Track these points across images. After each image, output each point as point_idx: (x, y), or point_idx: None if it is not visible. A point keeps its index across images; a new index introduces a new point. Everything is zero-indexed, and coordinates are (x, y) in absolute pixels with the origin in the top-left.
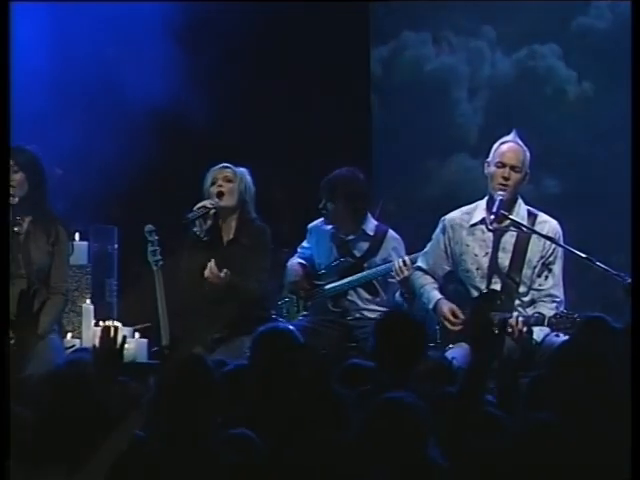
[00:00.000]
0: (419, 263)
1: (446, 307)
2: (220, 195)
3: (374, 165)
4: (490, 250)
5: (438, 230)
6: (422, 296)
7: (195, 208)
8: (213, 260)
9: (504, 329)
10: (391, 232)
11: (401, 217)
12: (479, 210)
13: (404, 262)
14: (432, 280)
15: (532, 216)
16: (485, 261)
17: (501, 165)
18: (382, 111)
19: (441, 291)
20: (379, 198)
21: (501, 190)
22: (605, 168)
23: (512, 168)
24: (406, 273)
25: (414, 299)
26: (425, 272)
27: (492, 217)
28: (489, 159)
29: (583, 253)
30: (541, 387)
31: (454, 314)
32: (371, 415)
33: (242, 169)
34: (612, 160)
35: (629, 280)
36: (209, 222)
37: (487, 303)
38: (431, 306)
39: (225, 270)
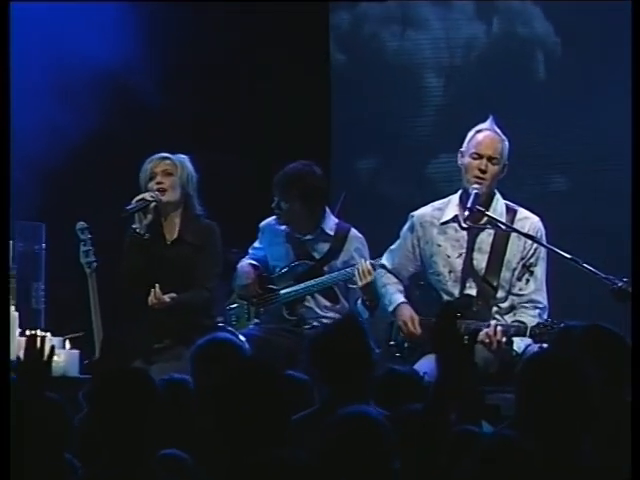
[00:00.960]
0: (384, 261)
1: (407, 313)
2: (161, 191)
3: (333, 157)
4: (464, 251)
5: (406, 227)
6: (384, 297)
7: (134, 201)
8: (157, 286)
9: (477, 339)
10: (354, 231)
11: (365, 214)
12: (452, 206)
13: (367, 265)
14: (396, 280)
15: (511, 212)
16: (459, 263)
17: (477, 156)
18: (343, 99)
19: (407, 296)
20: (340, 193)
21: (477, 184)
22: (598, 163)
23: (489, 159)
24: (369, 278)
25: (377, 307)
26: (389, 271)
27: (466, 213)
28: (463, 149)
29: (568, 254)
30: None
31: (412, 323)
32: (328, 432)
33: (182, 156)
34: (607, 157)
35: (619, 284)
36: (149, 217)
37: (461, 310)
38: (391, 309)
39: (172, 295)
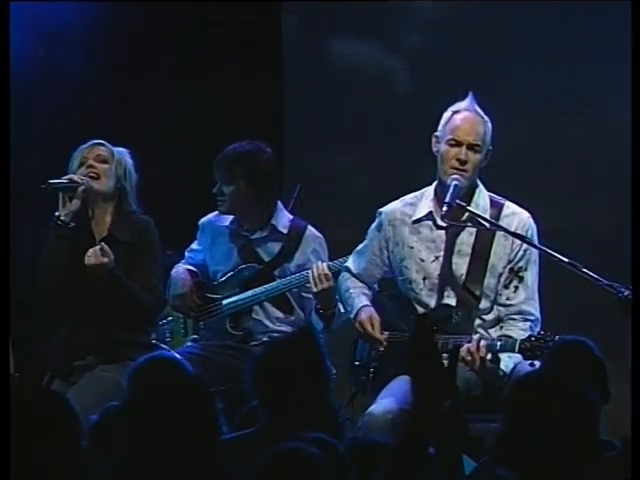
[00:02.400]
0: (349, 264)
1: (365, 314)
2: (92, 177)
3: (287, 142)
4: (441, 253)
5: (373, 226)
6: (346, 303)
7: (62, 179)
8: (103, 244)
9: (458, 357)
10: (311, 229)
11: (324, 210)
12: (426, 200)
13: (324, 268)
14: (361, 284)
15: (496, 207)
16: (434, 268)
17: (455, 143)
18: (297, 80)
19: (374, 304)
20: (294, 184)
21: (456, 175)
22: (586, 155)
23: (470, 147)
24: (325, 284)
25: (334, 317)
26: (354, 275)
27: (444, 209)
28: (438, 133)
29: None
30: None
31: (372, 324)
32: (264, 468)
33: (121, 149)
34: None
35: (626, 293)
36: (76, 203)
37: (438, 323)
38: (353, 314)
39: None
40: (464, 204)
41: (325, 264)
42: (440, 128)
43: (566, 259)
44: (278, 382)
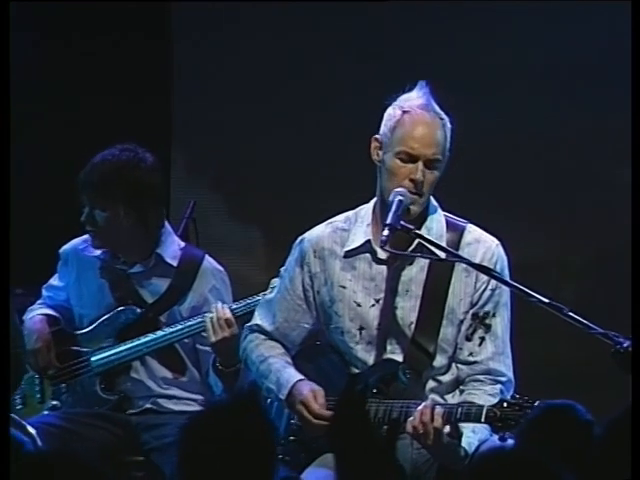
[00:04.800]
0: (257, 320)
1: (306, 390)
2: None
3: (175, 149)
4: (383, 295)
5: (292, 259)
6: (264, 377)
7: None
8: None
9: (402, 428)
10: (209, 261)
11: (227, 233)
12: (361, 225)
13: (225, 311)
14: (281, 349)
15: (455, 231)
16: (374, 315)
17: (407, 157)
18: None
19: (300, 368)
20: (186, 201)
21: (401, 189)
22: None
23: (428, 163)
24: (227, 332)
25: (237, 377)
26: (268, 334)
27: (385, 233)
28: (381, 137)
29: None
30: None
31: (316, 400)
32: None
33: None
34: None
35: (625, 344)
36: None
37: (378, 385)
38: (284, 393)
39: None
40: (412, 227)
41: (227, 306)
42: (384, 131)
43: (546, 299)
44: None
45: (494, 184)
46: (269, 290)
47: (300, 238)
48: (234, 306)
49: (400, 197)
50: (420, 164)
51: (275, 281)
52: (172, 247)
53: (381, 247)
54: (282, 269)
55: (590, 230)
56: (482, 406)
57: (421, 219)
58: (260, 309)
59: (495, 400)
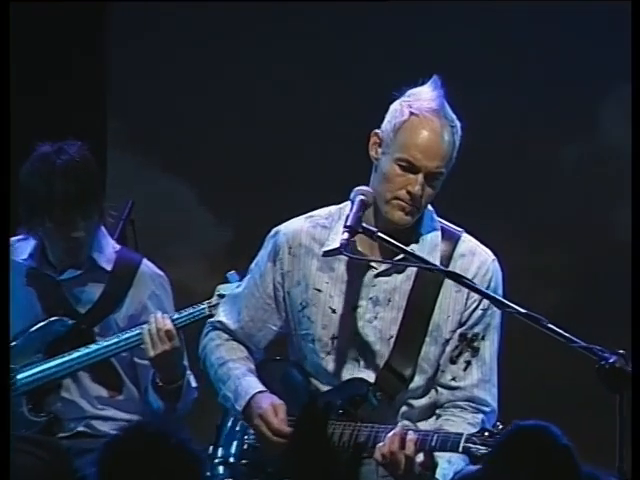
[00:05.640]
0: (221, 316)
1: (265, 404)
2: None
3: (110, 146)
4: (363, 303)
5: (264, 253)
6: (222, 382)
7: None
8: None
9: (368, 455)
10: (147, 265)
11: (166, 234)
12: (343, 222)
13: (165, 322)
14: (244, 352)
15: (450, 240)
16: (350, 323)
17: (407, 166)
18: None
19: (263, 379)
20: (123, 201)
21: (400, 212)
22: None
23: (429, 176)
24: (167, 346)
25: (180, 394)
26: (232, 334)
27: (344, 236)
28: (383, 134)
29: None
30: None
31: (276, 415)
32: None
33: None
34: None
35: (612, 359)
36: None
37: (345, 406)
38: (241, 404)
39: None
40: (374, 230)
41: (168, 316)
42: (387, 128)
43: (523, 310)
44: None
45: (473, 190)
46: (214, 298)
47: (275, 230)
48: (176, 316)
49: (362, 196)
50: (420, 176)
51: (222, 287)
52: (106, 250)
53: (340, 252)
54: (253, 263)
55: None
56: (461, 434)
57: (415, 226)
58: (225, 305)
59: (475, 429)
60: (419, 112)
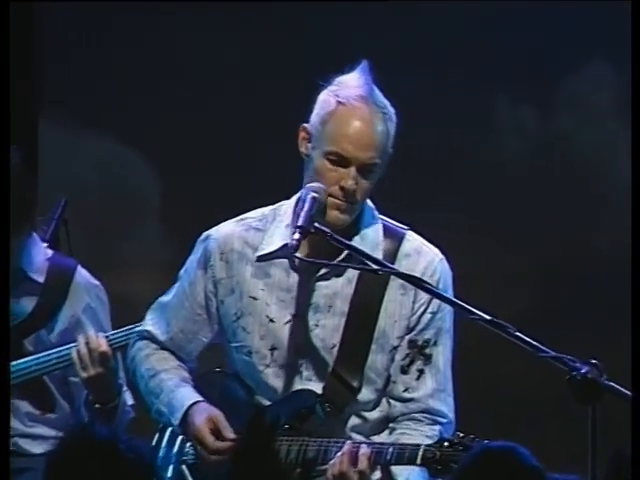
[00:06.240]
0: (148, 325)
1: (200, 417)
2: None
3: (41, 145)
4: (301, 310)
5: (194, 258)
6: (154, 395)
7: None
8: None
9: (318, 473)
10: (81, 274)
11: (104, 238)
12: (280, 224)
13: (99, 340)
14: (175, 360)
15: (393, 238)
16: (290, 332)
17: (338, 159)
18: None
19: (202, 392)
20: (56, 201)
21: (317, 184)
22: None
23: (362, 168)
24: (99, 369)
25: (115, 414)
26: (161, 344)
27: (295, 237)
28: (311, 128)
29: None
30: None
31: (217, 429)
32: None
33: None
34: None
35: (583, 370)
36: None
37: (291, 421)
38: (177, 418)
39: None
40: (328, 230)
41: (103, 335)
42: (315, 121)
43: (488, 317)
44: None
45: (432, 186)
46: None
47: (205, 234)
48: (112, 335)
49: (314, 194)
50: (353, 170)
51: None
52: (37, 258)
53: (290, 254)
54: (182, 269)
55: (537, 239)
56: (419, 445)
57: (354, 225)
58: (152, 313)
59: (432, 441)
60: (346, 101)
